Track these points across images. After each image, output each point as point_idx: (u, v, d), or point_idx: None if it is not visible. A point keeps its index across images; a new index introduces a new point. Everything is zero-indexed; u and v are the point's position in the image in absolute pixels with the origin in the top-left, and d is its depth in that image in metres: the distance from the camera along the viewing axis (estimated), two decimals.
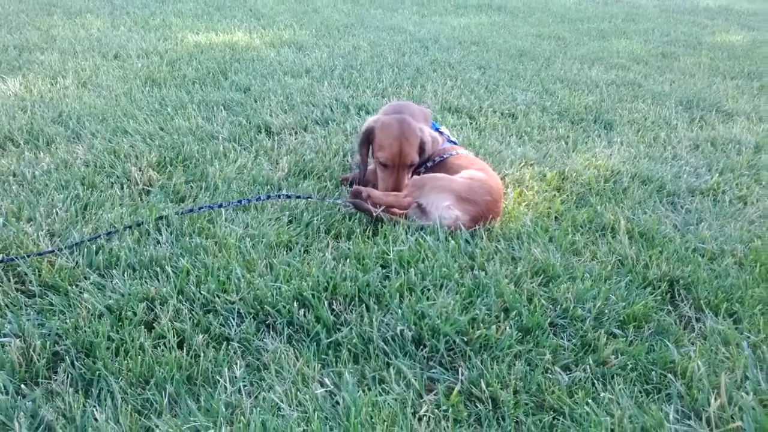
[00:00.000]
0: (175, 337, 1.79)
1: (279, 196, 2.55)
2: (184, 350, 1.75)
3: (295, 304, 1.92)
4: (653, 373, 1.77)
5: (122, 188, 2.68)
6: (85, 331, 1.78)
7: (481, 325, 1.88)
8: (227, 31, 6.27)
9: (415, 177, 2.59)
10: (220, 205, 2.50)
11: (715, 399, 1.65)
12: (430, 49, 5.96)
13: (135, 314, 1.86)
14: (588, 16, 8.84)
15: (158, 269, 2.08)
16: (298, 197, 2.57)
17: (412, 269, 2.12)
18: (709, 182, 3.09)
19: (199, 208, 2.46)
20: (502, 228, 2.49)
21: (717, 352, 1.87)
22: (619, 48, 6.56)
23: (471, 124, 3.80)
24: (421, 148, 2.70)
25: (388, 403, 1.60)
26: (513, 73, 5.18)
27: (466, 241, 2.34)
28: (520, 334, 1.87)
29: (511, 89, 4.66)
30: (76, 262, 2.11)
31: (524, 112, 4.08)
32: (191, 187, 2.73)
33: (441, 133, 2.96)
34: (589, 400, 1.64)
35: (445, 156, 2.76)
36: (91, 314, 1.86)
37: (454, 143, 2.96)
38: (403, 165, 2.66)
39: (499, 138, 3.57)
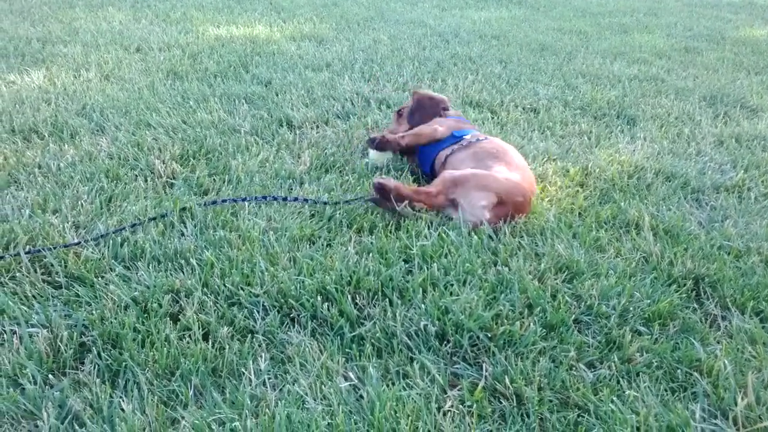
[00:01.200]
0: (200, 329, 1.81)
1: (296, 199, 2.54)
2: (209, 342, 1.77)
3: (319, 298, 1.92)
4: (679, 371, 1.75)
5: (146, 181, 2.70)
6: (111, 323, 1.80)
7: (505, 321, 1.87)
8: (248, 24, 6.29)
9: (454, 174, 2.51)
10: (244, 199, 2.51)
11: (742, 398, 1.64)
12: (451, 42, 5.94)
13: (160, 306, 1.87)
14: (609, 10, 8.76)
15: (183, 261, 2.10)
16: (324, 203, 2.54)
17: (435, 264, 2.12)
18: (734, 179, 3.06)
19: (223, 201, 2.47)
20: (526, 224, 2.48)
21: (743, 350, 1.85)
22: (642, 42, 6.49)
23: (492, 118, 3.78)
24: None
25: (412, 398, 1.60)
26: (534, 68, 5.15)
27: (489, 237, 2.33)
28: (544, 330, 1.86)
29: (533, 84, 4.63)
30: (102, 254, 2.13)
31: (546, 107, 4.06)
32: (214, 180, 2.75)
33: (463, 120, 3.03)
34: (614, 398, 1.63)
35: (481, 139, 2.78)
36: (117, 306, 1.88)
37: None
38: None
39: (521, 133, 3.55)
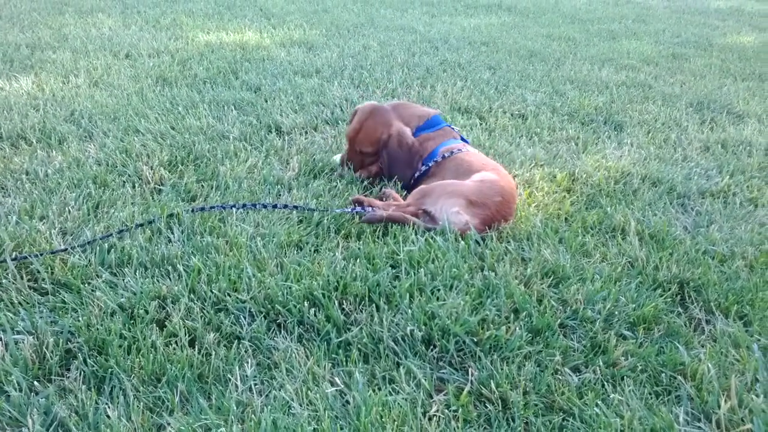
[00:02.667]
0: (187, 335, 1.81)
1: (286, 206, 2.54)
2: (196, 348, 1.77)
3: (306, 304, 1.92)
4: (663, 375, 1.77)
5: (134, 187, 2.70)
6: (97, 329, 1.79)
7: (491, 325, 1.88)
8: (238, 30, 6.29)
9: (422, 186, 2.59)
10: (233, 206, 2.51)
11: (726, 401, 1.65)
12: (440, 49, 5.96)
13: (147, 312, 1.87)
14: (598, 16, 8.82)
15: (170, 268, 2.10)
16: (310, 210, 2.54)
17: (422, 269, 2.12)
18: (720, 184, 3.08)
19: (210, 208, 2.48)
20: (512, 229, 2.49)
21: (727, 354, 1.87)
22: (630, 49, 6.54)
23: (481, 124, 3.80)
24: (380, 141, 2.84)
25: (398, 403, 1.61)
26: (523, 74, 5.18)
27: (476, 242, 2.35)
28: (530, 335, 1.87)
29: (521, 90, 4.66)
30: (89, 261, 2.13)
31: (534, 113, 4.08)
32: (202, 186, 2.75)
33: (452, 129, 2.98)
34: (599, 402, 1.64)
35: (454, 152, 2.77)
36: (104, 312, 1.88)
37: (466, 142, 2.97)
38: (352, 147, 2.89)
39: (509, 139, 3.57)
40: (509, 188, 2.54)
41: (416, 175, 2.83)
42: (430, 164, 2.79)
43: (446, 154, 2.77)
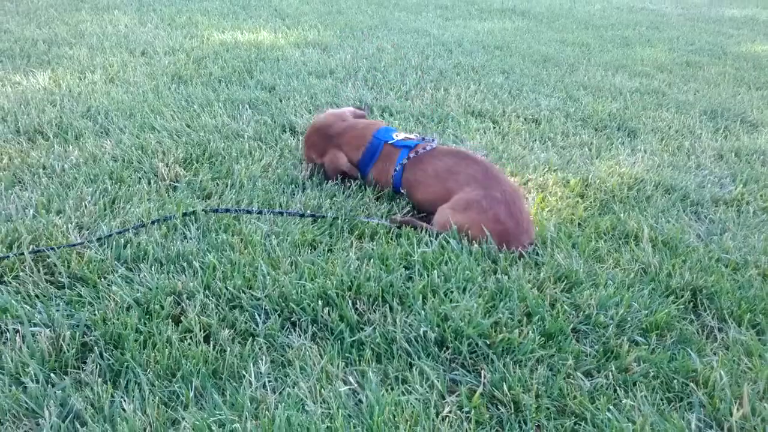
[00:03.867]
0: (202, 331, 1.82)
1: (302, 215, 2.52)
2: (210, 345, 1.78)
3: (320, 303, 1.94)
4: (675, 381, 1.77)
5: (149, 183, 2.72)
6: (113, 323, 1.81)
7: (504, 328, 1.89)
8: (252, 30, 6.32)
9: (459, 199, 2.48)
10: (236, 210, 2.50)
11: (738, 409, 1.65)
12: (454, 52, 5.97)
13: (162, 308, 1.89)
14: (612, 23, 8.80)
15: (185, 264, 2.11)
16: (321, 217, 2.54)
17: (436, 271, 2.13)
18: (733, 193, 3.08)
19: (225, 210, 2.48)
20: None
21: (739, 362, 1.87)
22: (644, 56, 6.52)
23: (494, 128, 3.81)
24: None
25: (411, 403, 1.62)
26: (537, 79, 5.17)
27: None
28: (542, 338, 1.88)
29: (535, 94, 4.66)
30: (105, 255, 2.15)
31: (548, 118, 4.08)
32: (217, 184, 2.76)
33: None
34: (611, 407, 1.65)
35: (427, 149, 2.68)
36: (120, 307, 1.90)
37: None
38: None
39: (522, 143, 3.57)
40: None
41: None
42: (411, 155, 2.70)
43: (411, 155, 2.70)
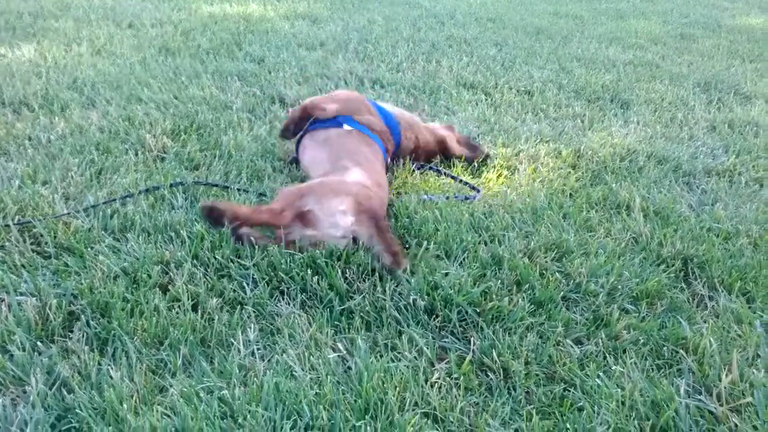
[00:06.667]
0: (190, 300, 1.81)
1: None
2: (198, 313, 1.77)
3: (309, 272, 1.92)
4: (665, 348, 1.77)
5: (137, 154, 2.69)
6: (100, 292, 1.79)
7: (494, 297, 1.88)
8: (241, 2, 6.23)
9: (291, 188, 2.20)
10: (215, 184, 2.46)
11: (727, 375, 1.65)
12: (446, 24, 5.91)
13: (150, 277, 1.87)
14: None
15: (173, 234, 2.09)
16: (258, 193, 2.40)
17: (425, 241, 2.12)
18: (726, 163, 3.07)
19: (205, 184, 2.44)
20: (517, 203, 2.48)
21: (729, 329, 1.87)
22: (637, 28, 6.48)
23: (486, 100, 3.78)
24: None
25: (400, 370, 1.61)
26: (530, 51, 5.13)
27: (484, 215, 2.34)
28: (532, 306, 1.87)
29: (528, 66, 4.62)
30: (92, 225, 2.12)
31: (540, 90, 4.05)
32: (205, 155, 2.73)
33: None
34: (600, 373, 1.64)
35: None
36: (106, 276, 1.88)
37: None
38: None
39: (514, 115, 3.55)
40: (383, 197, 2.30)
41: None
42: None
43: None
